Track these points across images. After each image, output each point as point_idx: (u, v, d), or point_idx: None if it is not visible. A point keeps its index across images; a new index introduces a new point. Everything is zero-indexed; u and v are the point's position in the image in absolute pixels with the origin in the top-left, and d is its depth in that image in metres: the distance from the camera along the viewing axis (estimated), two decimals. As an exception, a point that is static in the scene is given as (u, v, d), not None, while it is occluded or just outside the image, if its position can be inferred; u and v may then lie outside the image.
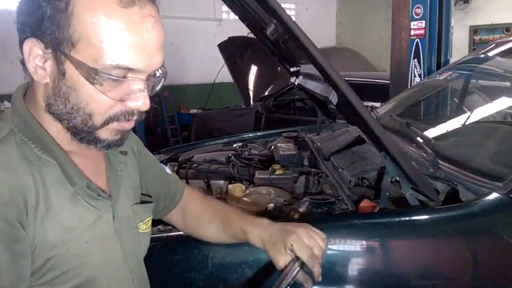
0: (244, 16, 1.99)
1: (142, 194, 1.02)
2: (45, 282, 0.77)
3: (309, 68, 1.83)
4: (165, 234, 1.40)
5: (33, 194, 0.75)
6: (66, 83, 0.74)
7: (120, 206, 0.90)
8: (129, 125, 0.81)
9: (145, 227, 0.98)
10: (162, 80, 0.80)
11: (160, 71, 0.78)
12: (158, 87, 0.81)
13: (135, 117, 0.80)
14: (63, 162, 0.79)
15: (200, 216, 1.17)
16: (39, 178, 0.76)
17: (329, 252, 1.32)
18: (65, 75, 0.74)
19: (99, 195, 0.84)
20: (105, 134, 0.79)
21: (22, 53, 0.76)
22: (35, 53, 0.74)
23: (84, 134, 0.78)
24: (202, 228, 1.16)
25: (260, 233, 1.03)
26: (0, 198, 0.70)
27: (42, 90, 0.78)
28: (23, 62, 0.77)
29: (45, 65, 0.75)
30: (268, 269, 1.28)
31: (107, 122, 0.78)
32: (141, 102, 0.77)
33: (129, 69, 0.73)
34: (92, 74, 0.72)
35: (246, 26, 2.11)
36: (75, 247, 0.79)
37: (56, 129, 0.80)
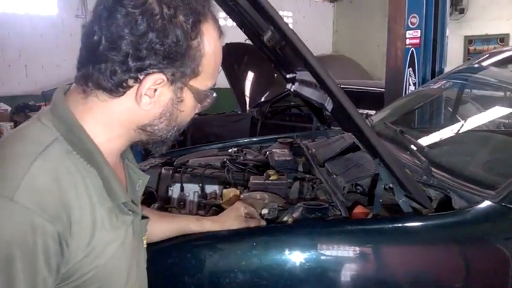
0: (242, 23, 2.01)
1: None
2: None
3: (305, 75, 1.84)
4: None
5: (77, 208, 0.73)
6: (179, 107, 0.80)
7: (137, 221, 0.90)
8: None
9: (146, 241, 0.99)
10: None
11: None
12: None
13: None
14: (108, 177, 0.78)
15: None
16: (84, 191, 0.75)
17: (322, 258, 1.33)
18: (182, 102, 0.80)
19: (130, 210, 0.84)
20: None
21: (119, 77, 0.74)
22: (151, 87, 0.76)
23: (166, 140, 0.85)
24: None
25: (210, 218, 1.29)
26: (47, 210, 0.69)
27: (136, 112, 0.78)
28: (109, 83, 0.75)
29: (155, 94, 0.77)
30: (261, 273, 1.29)
31: None
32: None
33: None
34: (205, 98, 0.83)
35: (244, 32, 2.12)
36: (111, 263, 0.79)
37: (106, 138, 0.79)
